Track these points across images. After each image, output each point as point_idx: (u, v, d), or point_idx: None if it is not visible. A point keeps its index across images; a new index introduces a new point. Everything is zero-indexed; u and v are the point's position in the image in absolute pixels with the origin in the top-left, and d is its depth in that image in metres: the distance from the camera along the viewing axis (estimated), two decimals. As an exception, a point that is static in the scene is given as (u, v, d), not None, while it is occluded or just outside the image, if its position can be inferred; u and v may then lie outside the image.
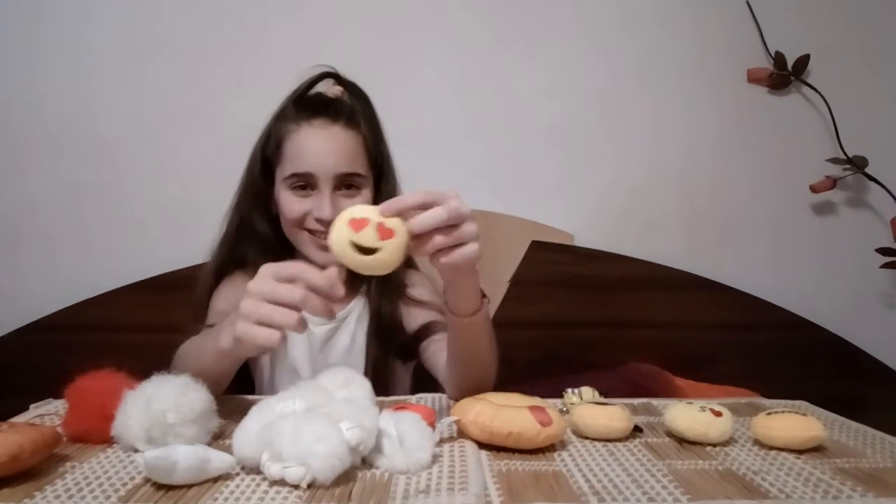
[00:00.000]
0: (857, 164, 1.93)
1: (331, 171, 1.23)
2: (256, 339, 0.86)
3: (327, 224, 1.19)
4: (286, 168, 1.26)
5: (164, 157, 1.89)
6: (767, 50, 1.95)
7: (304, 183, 1.25)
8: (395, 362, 1.34)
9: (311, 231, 1.26)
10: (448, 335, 1.08)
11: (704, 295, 1.91)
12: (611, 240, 1.92)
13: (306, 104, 1.29)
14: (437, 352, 1.21)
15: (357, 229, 0.85)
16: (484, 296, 1.02)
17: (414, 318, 1.30)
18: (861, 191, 1.99)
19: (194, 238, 1.82)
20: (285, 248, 1.31)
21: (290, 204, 1.26)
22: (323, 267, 1.09)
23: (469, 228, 0.89)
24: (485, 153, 1.93)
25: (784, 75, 1.95)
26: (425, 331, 1.27)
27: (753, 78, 1.97)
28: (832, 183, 1.95)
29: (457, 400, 1.05)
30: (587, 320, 1.89)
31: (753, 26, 1.95)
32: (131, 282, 1.83)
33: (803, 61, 1.93)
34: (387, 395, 1.19)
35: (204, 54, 1.88)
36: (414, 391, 1.26)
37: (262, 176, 1.31)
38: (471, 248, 0.89)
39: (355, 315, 1.34)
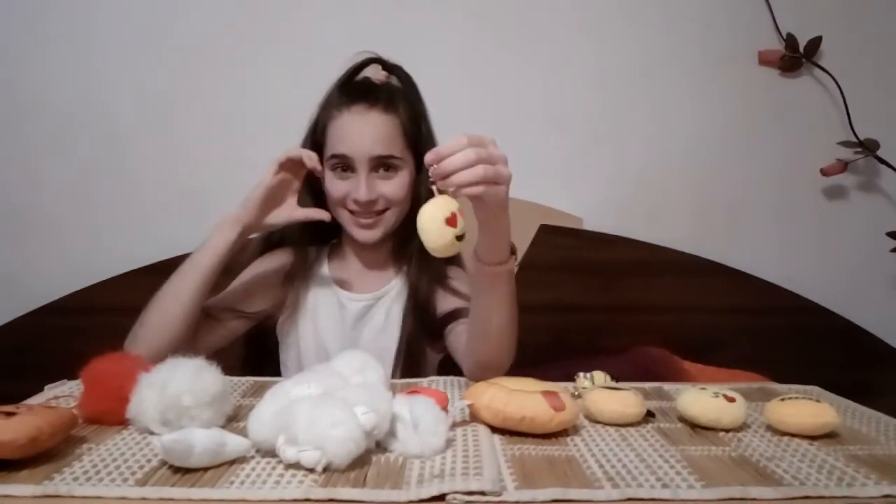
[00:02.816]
0: (869, 147, 1.92)
1: (365, 154, 1.28)
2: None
3: (363, 205, 1.28)
4: (328, 150, 1.32)
5: (173, 142, 1.89)
6: (779, 32, 1.93)
7: (344, 165, 1.30)
8: (426, 344, 1.36)
9: (351, 211, 1.31)
10: (472, 291, 1.13)
11: (714, 279, 1.91)
12: (620, 224, 1.92)
13: (348, 91, 1.34)
14: (460, 333, 1.24)
15: (454, 225, 0.94)
16: (513, 252, 1.07)
17: (446, 304, 1.33)
18: (872, 174, 1.98)
19: (203, 222, 1.83)
20: (328, 228, 1.35)
21: (333, 184, 1.32)
22: (363, 244, 1.32)
23: (503, 170, 0.98)
24: (493, 136, 1.91)
25: (796, 57, 1.93)
26: (452, 314, 1.30)
27: (765, 60, 1.95)
28: (843, 166, 1.94)
29: (473, 374, 1.11)
30: (596, 304, 1.89)
31: (765, 7, 1.93)
32: (141, 265, 1.83)
33: (815, 43, 1.92)
34: (417, 375, 1.23)
35: (212, 41, 1.88)
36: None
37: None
38: (502, 189, 0.97)
39: (393, 293, 1.38)
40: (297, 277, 1.37)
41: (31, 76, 1.87)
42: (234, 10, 1.88)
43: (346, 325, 1.35)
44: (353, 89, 1.35)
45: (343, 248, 1.42)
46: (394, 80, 1.37)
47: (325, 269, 1.40)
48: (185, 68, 1.88)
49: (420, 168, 1.34)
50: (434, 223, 0.93)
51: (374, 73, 1.37)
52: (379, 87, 1.35)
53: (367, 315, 1.37)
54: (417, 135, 1.35)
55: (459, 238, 0.94)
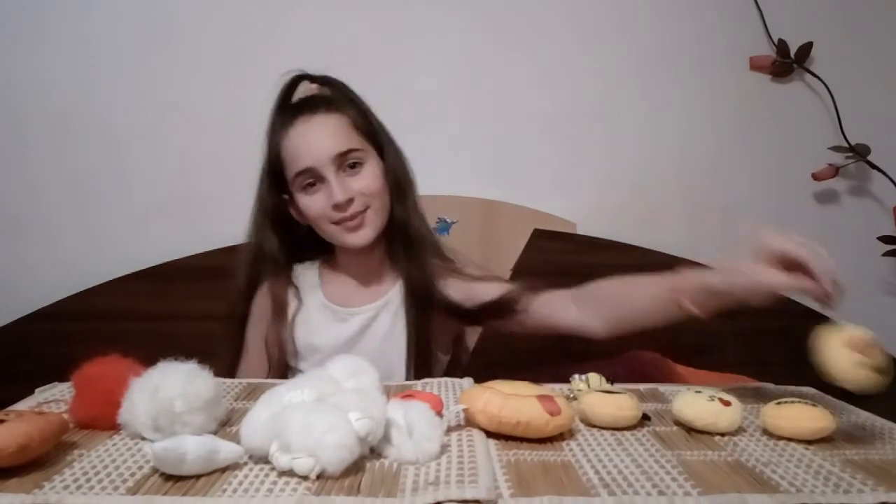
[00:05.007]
0: (860, 152, 1.93)
1: (326, 156, 1.27)
2: None
3: (343, 206, 1.26)
4: (289, 172, 1.30)
5: (165, 147, 1.88)
6: (770, 37, 1.93)
7: (312, 179, 1.28)
8: (435, 345, 1.37)
9: (335, 222, 1.29)
10: (652, 300, 1.20)
11: (706, 283, 1.91)
12: (613, 228, 1.92)
13: (286, 110, 1.34)
14: (557, 309, 1.32)
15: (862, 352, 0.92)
16: None
17: (484, 292, 1.35)
18: (863, 179, 1.99)
19: (195, 228, 1.84)
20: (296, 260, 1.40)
21: (308, 204, 1.30)
22: (359, 250, 1.30)
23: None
24: (488, 142, 1.92)
25: (787, 63, 1.93)
26: (508, 301, 1.33)
27: (756, 66, 1.96)
28: (834, 171, 1.95)
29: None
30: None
31: (756, 13, 1.93)
32: (133, 271, 1.82)
33: (806, 49, 1.92)
34: (428, 375, 1.22)
35: (204, 45, 1.87)
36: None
37: (270, 191, 1.35)
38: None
39: (398, 297, 1.38)
40: (287, 314, 1.37)
41: (25, 82, 1.86)
42: (228, 17, 1.87)
43: (352, 340, 1.35)
44: (290, 107, 1.34)
45: (335, 266, 1.42)
46: (326, 91, 1.36)
47: (319, 290, 1.40)
48: (179, 75, 1.87)
49: (384, 158, 1.35)
50: (837, 344, 0.94)
51: (305, 90, 1.37)
52: (314, 96, 1.35)
53: (373, 325, 1.36)
54: (370, 126, 1.34)
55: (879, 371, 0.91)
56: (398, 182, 1.35)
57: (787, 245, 0.96)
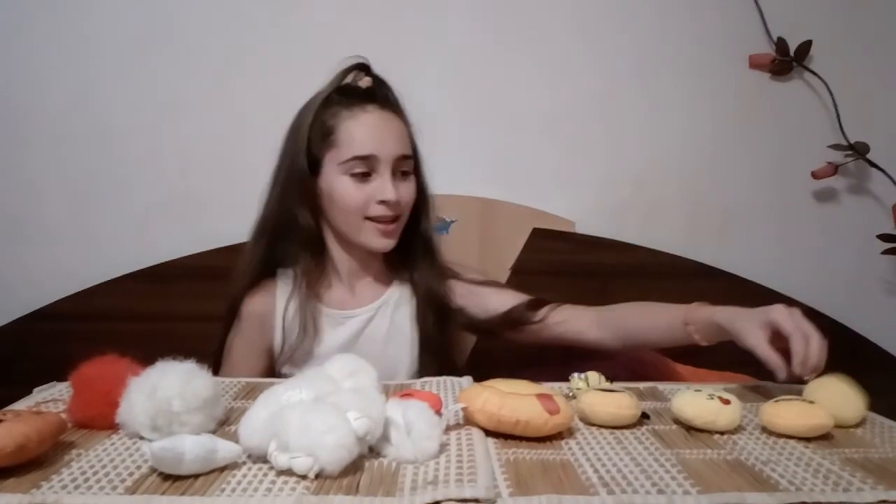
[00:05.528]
0: (859, 151, 1.92)
1: (391, 153, 1.27)
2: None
3: (392, 205, 1.26)
4: (342, 153, 1.27)
5: (165, 147, 1.87)
6: (770, 35, 1.93)
7: (365, 168, 1.26)
8: (444, 342, 1.38)
9: (372, 218, 1.28)
10: (663, 328, 1.25)
11: (706, 282, 1.90)
12: (612, 227, 1.91)
13: (352, 92, 1.32)
14: (576, 325, 1.34)
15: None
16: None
17: (497, 300, 1.37)
18: (862, 177, 1.98)
19: (194, 228, 1.83)
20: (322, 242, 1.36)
21: (350, 191, 1.27)
22: (368, 254, 1.31)
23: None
24: (487, 141, 1.92)
25: (786, 61, 1.93)
26: (525, 312, 1.35)
27: (755, 64, 1.95)
28: (833, 169, 1.94)
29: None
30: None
31: (755, 12, 1.93)
32: (132, 271, 1.81)
33: (805, 47, 1.91)
34: (437, 373, 1.21)
35: (204, 45, 1.86)
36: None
37: (308, 167, 1.31)
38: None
39: (393, 301, 1.37)
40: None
41: (22, 82, 1.85)
42: (228, 17, 1.86)
43: (349, 342, 1.33)
44: (359, 91, 1.33)
45: (324, 269, 1.38)
46: (383, 90, 1.35)
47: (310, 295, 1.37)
48: (179, 75, 1.86)
49: (416, 174, 1.36)
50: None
51: (357, 80, 1.36)
52: (382, 91, 1.34)
53: (369, 326, 1.35)
54: (414, 141, 1.35)
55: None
56: (426, 198, 1.38)
57: (783, 322, 1.02)
